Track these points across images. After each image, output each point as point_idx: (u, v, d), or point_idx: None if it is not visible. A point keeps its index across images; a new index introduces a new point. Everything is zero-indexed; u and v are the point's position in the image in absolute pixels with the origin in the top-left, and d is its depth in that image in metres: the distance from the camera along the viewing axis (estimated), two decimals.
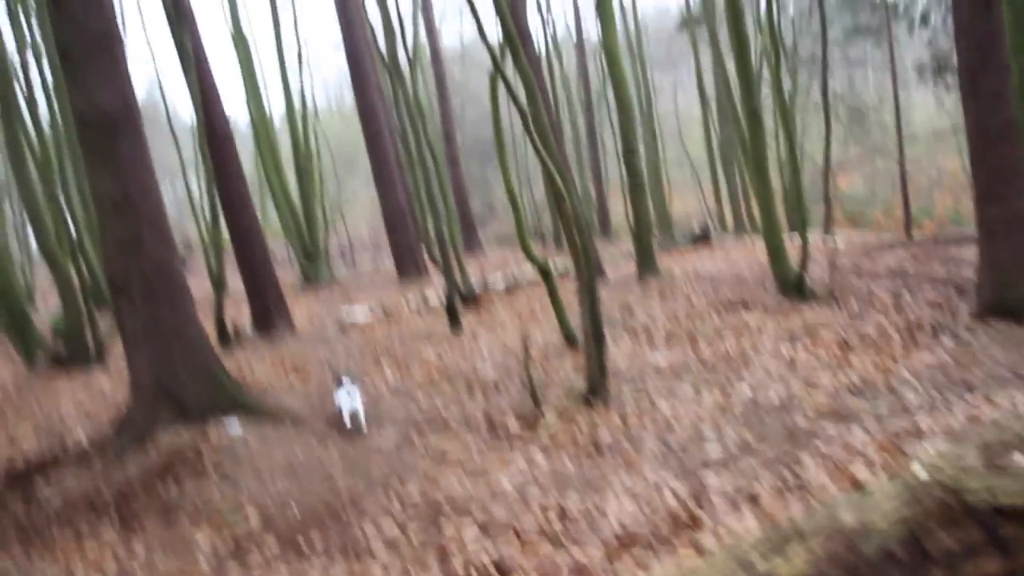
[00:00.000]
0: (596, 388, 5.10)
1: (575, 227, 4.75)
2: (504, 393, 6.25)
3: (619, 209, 28.09)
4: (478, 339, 8.92)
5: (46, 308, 14.86)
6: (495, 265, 17.08)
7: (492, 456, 4.85)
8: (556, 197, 4.80)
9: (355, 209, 31.98)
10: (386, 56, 11.03)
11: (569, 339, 7.37)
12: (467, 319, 10.18)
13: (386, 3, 11.02)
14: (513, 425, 5.24)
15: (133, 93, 7.05)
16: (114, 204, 6.78)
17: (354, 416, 6.05)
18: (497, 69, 4.92)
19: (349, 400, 6.10)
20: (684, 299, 9.63)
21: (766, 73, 16.43)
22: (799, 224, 7.98)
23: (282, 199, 18.14)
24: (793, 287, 8.52)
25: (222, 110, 11.40)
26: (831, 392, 4.98)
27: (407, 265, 15.83)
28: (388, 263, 21.98)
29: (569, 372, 6.74)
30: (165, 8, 10.84)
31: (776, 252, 8.66)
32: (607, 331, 8.12)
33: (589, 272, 4.90)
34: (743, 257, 13.57)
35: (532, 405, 5.35)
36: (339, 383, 6.32)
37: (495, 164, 34.20)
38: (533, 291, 12.76)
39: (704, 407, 5.13)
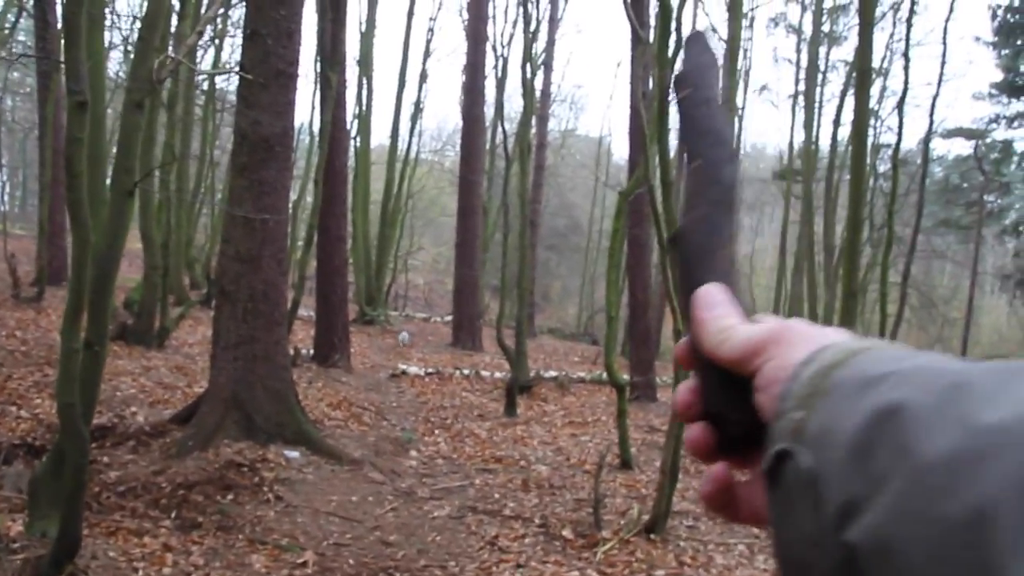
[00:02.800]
0: (659, 523, 5.24)
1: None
2: (559, 497, 6.40)
3: (667, 331, 28.38)
4: (531, 431, 9.09)
5: None
6: (547, 355, 17.32)
7: (548, 561, 4.99)
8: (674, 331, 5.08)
9: (416, 260, 32.58)
10: (508, 139, 11.57)
11: (625, 460, 7.51)
12: (520, 407, 10.38)
13: (531, 90, 11.56)
14: (570, 536, 5.38)
15: (293, 125, 7.57)
16: (246, 220, 7.19)
17: (404, 340, 15.35)
18: (654, 209, 5.28)
19: (404, 335, 15.66)
20: None
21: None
22: None
23: (360, 240, 18.62)
24: None
25: (345, 151, 11.96)
26: None
27: (464, 335, 16.10)
28: (438, 320, 22.35)
29: (619, 491, 6.88)
30: (321, 47, 11.53)
31: None
32: (655, 457, 8.29)
33: None
34: None
35: (590, 520, 5.50)
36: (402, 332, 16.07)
37: (559, 253, 34.84)
38: (581, 391, 12.96)
39: (758, 571, 5.22)
